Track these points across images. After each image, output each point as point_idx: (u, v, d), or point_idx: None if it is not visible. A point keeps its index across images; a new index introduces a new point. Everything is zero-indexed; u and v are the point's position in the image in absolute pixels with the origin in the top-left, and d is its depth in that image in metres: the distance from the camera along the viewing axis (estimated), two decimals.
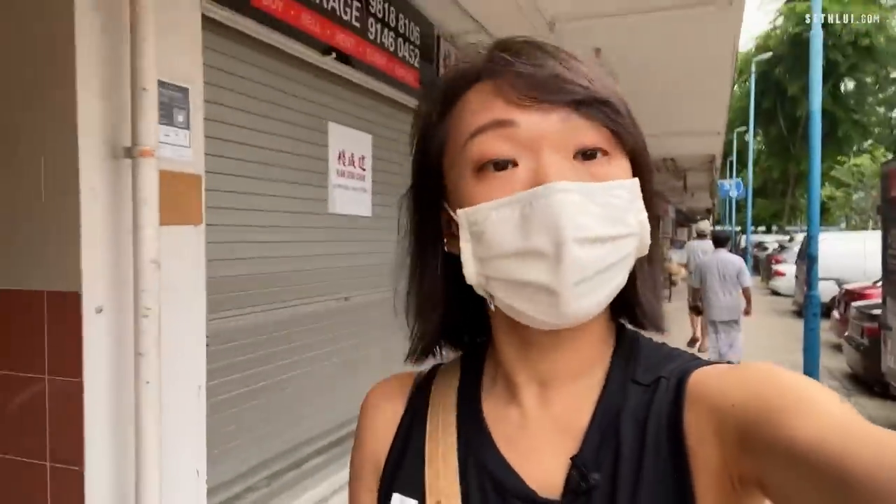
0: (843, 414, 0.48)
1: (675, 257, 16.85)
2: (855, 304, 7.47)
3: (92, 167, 2.19)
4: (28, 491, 2.27)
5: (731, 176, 28.64)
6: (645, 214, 0.60)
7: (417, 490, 0.65)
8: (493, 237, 0.57)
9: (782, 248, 20.24)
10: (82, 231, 2.17)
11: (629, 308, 0.66)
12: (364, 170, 4.20)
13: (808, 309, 6.62)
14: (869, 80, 34.19)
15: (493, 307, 0.62)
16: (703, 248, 10.56)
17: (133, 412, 2.24)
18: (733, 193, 23.59)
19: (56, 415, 2.24)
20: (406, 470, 0.67)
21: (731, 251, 7.64)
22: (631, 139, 0.60)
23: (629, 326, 0.69)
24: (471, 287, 0.62)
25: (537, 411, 0.64)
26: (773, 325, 11.66)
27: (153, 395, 2.23)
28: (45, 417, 2.25)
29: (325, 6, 3.47)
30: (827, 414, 0.48)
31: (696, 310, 8.60)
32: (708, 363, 0.62)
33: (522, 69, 0.58)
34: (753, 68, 20.59)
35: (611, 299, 0.58)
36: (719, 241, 7.45)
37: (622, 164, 0.60)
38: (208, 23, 2.71)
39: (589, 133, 0.58)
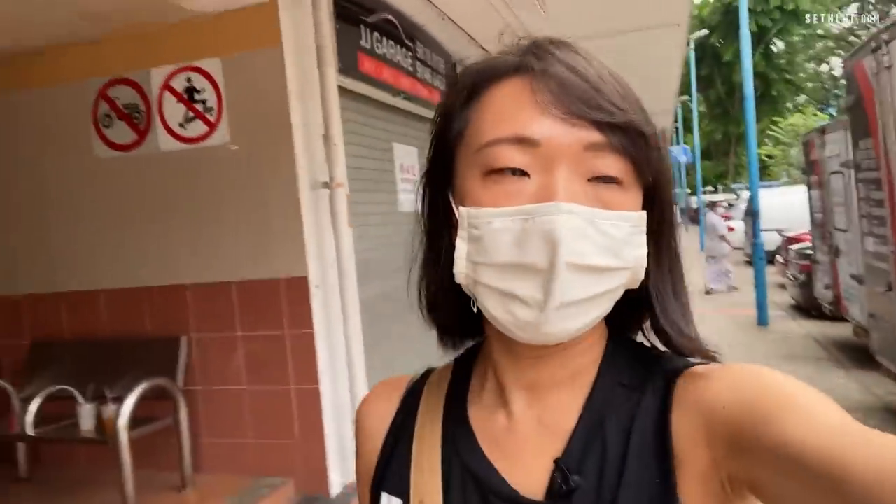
0: (837, 417, 0.47)
1: None
2: (792, 247, 9.12)
3: (306, 195, 3.46)
4: (279, 406, 3.55)
5: (677, 142, 30.59)
6: (644, 250, 0.58)
7: (403, 489, 0.65)
8: (490, 244, 0.56)
9: (730, 205, 22.13)
10: (305, 236, 3.44)
11: (660, 335, 0.63)
12: (415, 176, 5.50)
13: (755, 253, 8.24)
14: (796, 38, 36.49)
15: (475, 309, 0.61)
16: None
17: (344, 350, 3.54)
18: (682, 159, 25.35)
19: (296, 354, 3.52)
20: (393, 470, 0.68)
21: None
22: (652, 172, 0.58)
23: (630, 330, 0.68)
24: None
25: (524, 415, 0.64)
26: None
27: (357, 340, 3.53)
28: (286, 357, 3.53)
29: (395, 60, 4.74)
30: (821, 417, 0.47)
31: None
32: (695, 364, 0.61)
33: (563, 73, 0.56)
34: (692, 45, 22.34)
35: (591, 326, 0.58)
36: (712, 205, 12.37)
37: (635, 196, 0.58)
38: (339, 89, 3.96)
39: (610, 160, 0.56)
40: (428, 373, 0.75)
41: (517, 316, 0.56)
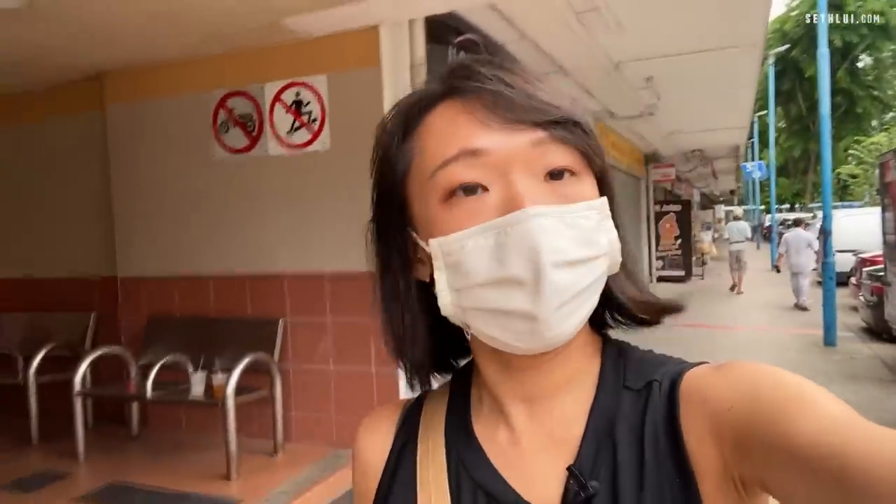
0: (840, 411, 0.48)
1: (706, 238, 18.46)
2: (865, 269, 8.97)
3: None
4: (361, 386, 3.96)
5: (752, 158, 29.84)
6: (615, 233, 0.60)
7: None
8: (469, 266, 0.55)
9: (807, 224, 21.49)
10: None
11: (618, 309, 0.65)
12: None
13: (824, 273, 8.19)
14: (886, 54, 34.94)
15: (469, 336, 0.62)
16: (739, 228, 13.27)
17: None
18: (756, 175, 24.70)
19: (378, 340, 3.89)
20: (397, 496, 0.65)
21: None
22: (599, 159, 0.60)
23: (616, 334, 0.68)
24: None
25: (528, 428, 0.63)
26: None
27: None
28: (369, 342, 3.93)
29: None
30: (825, 412, 0.48)
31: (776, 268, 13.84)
32: (697, 364, 0.61)
33: (492, 87, 0.56)
34: (771, 59, 21.82)
35: (586, 319, 0.58)
36: (798, 222, 12.99)
37: (590, 183, 0.59)
38: None
39: (559, 154, 0.56)
40: (422, 397, 0.73)
41: (515, 330, 0.55)
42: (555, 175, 0.56)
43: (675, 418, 0.57)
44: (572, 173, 0.57)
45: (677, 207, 16.49)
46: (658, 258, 16.11)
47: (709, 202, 34.46)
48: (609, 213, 0.60)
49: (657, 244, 16.09)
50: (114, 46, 4.09)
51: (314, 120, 3.96)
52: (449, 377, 0.72)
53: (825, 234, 8.32)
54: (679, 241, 16.11)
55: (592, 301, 0.58)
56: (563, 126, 0.57)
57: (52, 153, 5.02)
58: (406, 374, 0.68)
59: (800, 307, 11.61)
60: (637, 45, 6.14)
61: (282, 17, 3.62)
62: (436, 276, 0.58)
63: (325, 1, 3.44)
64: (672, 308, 0.65)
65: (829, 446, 0.45)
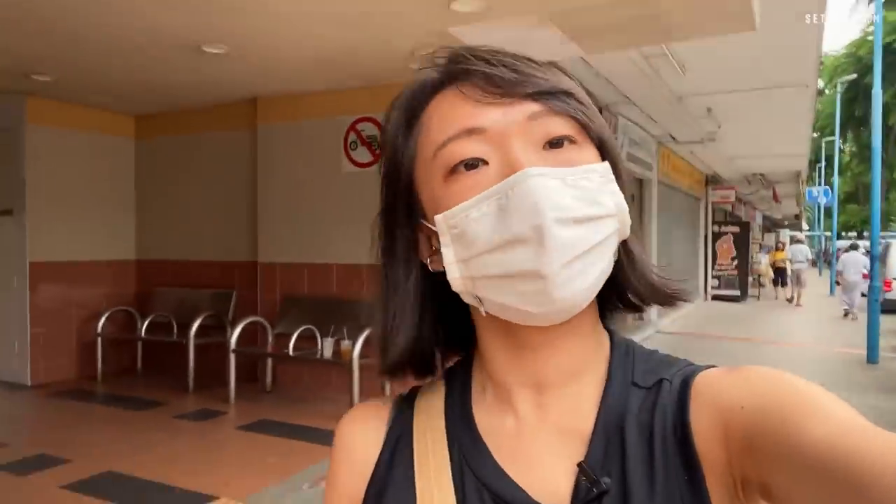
0: (851, 418, 0.47)
1: (764, 260, 18.81)
2: None
3: None
4: None
5: (820, 182, 29.61)
6: (621, 196, 0.59)
7: None
8: (473, 234, 0.55)
9: (867, 252, 21.47)
10: None
11: (622, 295, 0.64)
12: None
13: (870, 295, 8.74)
14: None
15: (483, 312, 0.59)
16: (800, 250, 14.53)
17: None
18: (821, 200, 24.68)
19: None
20: (392, 495, 0.62)
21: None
22: (596, 127, 0.60)
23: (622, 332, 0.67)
24: (448, 302, 0.61)
25: (534, 417, 0.61)
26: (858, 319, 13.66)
27: None
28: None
29: None
30: (836, 418, 0.47)
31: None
32: (709, 367, 0.60)
33: (485, 69, 0.58)
34: (839, 88, 21.85)
35: (600, 285, 0.57)
36: (854, 246, 14.02)
37: (590, 151, 0.59)
38: None
39: (555, 123, 0.57)
40: (414, 391, 0.70)
41: (524, 292, 0.54)
42: (554, 144, 0.57)
43: (684, 417, 0.56)
44: (571, 141, 0.58)
45: (735, 229, 16.93)
46: (714, 276, 16.58)
47: (772, 225, 34.24)
48: (613, 177, 0.59)
49: (713, 263, 16.58)
50: (269, 78, 5.20)
51: None
52: (425, 381, 0.69)
53: (872, 258, 8.86)
54: (735, 261, 16.56)
55: (603, 263, 0.56)
56: (555, 96, 0.58)
57: (211, 160, 6.22)
58: (381, 356, 0.65)
59: (850, 316, 13.15)
60: (698, 82, 6.95)
61: (410, 63, 4.64)
62: (443, 252, 0.58)
63: None
64: (681, 296, 0.65)
65: (842, 451, 0.44)
